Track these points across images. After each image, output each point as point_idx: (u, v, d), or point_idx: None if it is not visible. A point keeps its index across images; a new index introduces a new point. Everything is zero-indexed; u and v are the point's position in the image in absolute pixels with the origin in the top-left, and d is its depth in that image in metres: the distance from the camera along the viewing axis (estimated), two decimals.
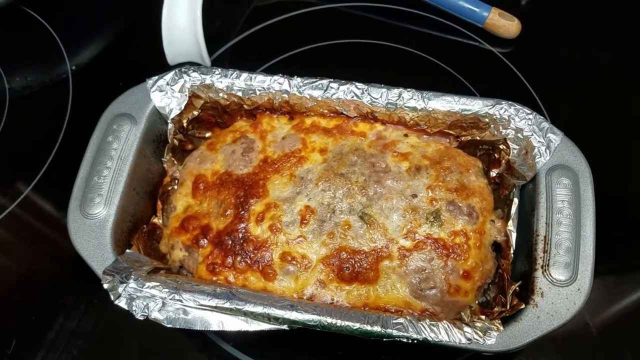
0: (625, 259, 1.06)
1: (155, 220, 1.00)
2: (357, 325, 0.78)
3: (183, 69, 0.98)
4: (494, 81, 1.27)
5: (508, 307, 0.83)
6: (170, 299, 0.80)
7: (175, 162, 1.03)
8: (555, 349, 0.96)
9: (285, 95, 0.98)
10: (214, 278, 0.89)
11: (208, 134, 1.07)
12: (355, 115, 0.99)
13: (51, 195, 1.13)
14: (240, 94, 0.99)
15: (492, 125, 0.95)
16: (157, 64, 1.21)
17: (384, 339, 0.78)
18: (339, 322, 0.78)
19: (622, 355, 0.96)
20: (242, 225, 0.91)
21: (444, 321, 0.80)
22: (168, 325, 0.79)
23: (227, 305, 0.79)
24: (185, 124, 1.01)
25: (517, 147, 0.93)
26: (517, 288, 0.84)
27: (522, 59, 1.29)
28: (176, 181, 1.02)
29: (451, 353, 0.95)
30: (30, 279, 1.05)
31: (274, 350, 0.97)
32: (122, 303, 0.80)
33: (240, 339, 0.97)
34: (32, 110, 1.25)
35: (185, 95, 0.98)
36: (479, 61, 1.30)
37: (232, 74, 0.98)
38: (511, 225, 0.93)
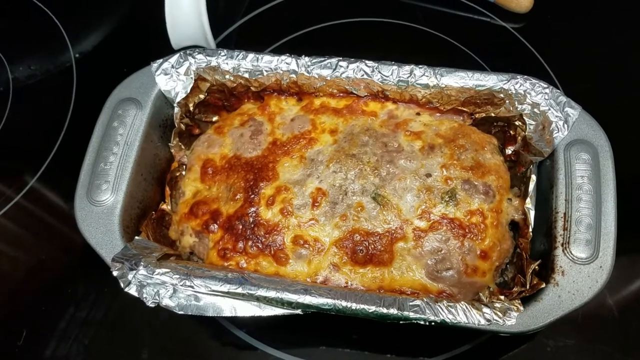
0: None
1: (164, 206, 0.98)
2: (372, 308, 0.76)
3: (188, 51, 0.96)
4: (507, 58, 1.24)
5: (528, 287, 0.81)
6: (182, 285, 0.78)
7: (183, 147, 1.01)
8: (576, 329, 0.94)
9: (293, 76, 0.96)
10: (225, 264, 0.87)
11: (215, 118, 1.05)
12: (366, 94, 0.97)
13: (57, 185, 1.12)
14: (247, 75, 0.96)
15: (507, 101, 0.92)
16: (162, 49, 1.19)
17: (401, 322, 0.77)
18: (354, 305, 0.76)
19: None
20: (253, 209, 0.89)
21: (462, 302, 0.78)
22: (180, 312, 0.77)
23: (240, 290, 0.77)
24: (191, 108, 0.99)
25: (533, 122, 0.90)
26: (537, 267, 0.82)
27: (536, 34, 1.26)
28: (184, 166, 1.00)
29: (469, 335, 0.93)
30: (39, 269, 1.04)
31: (287, 336, 0.95)
32: (132, 290, 0.78)
33: (253, 325, 0.95)
34: (36, 99, 1.24)
35: (191, 78, 0.96)
36: (491, 37, 1.27)
37: (238, 55, 0.96)
38: (529, 203, 0.90)
